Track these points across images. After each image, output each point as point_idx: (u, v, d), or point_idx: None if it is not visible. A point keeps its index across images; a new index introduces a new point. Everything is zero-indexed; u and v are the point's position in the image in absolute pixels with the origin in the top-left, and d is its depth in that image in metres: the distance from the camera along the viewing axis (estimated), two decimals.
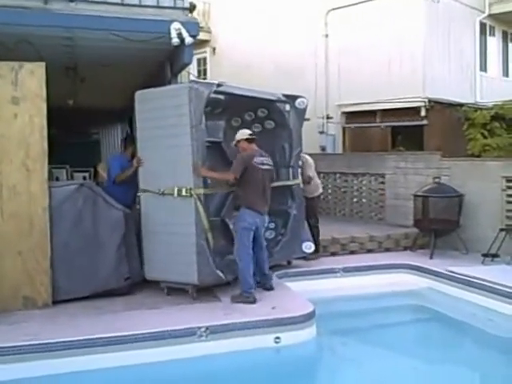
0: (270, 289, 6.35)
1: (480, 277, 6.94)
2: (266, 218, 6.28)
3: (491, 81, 15.13)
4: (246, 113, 7.39)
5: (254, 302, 5.91)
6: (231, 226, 7.20)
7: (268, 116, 7.42)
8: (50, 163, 6.09)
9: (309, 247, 7.57)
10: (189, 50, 7.05)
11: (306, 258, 7.73)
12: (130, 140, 7.36)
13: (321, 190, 8.48)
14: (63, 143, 9.60)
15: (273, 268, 7.16)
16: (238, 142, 6.26)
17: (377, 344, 6.00)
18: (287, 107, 7.39)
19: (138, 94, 6.56)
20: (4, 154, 5.78)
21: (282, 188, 7.44)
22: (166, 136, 6.24)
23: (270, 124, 7.50)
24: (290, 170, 7.50)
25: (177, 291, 6.25)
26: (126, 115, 12.02)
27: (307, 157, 8.04)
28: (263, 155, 6.25)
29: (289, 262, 7.71)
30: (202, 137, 6.19)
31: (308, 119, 13.70)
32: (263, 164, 6.14)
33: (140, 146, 6.55)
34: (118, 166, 7.02)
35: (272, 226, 7.46)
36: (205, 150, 6.28)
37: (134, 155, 6.81)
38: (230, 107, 7.03)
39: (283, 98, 7.36)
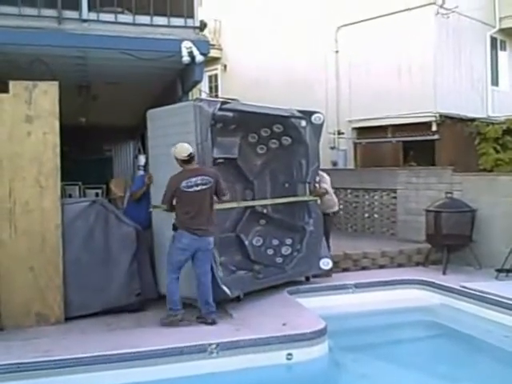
0: (213, 323, 5.77)
1: (494, 292, 6.87)
2: (210, 240, 5.80)
3: (503, 95, 15.06)
4: (262, 129, 7.42)
5: (178, 321, 5.73)
6: (246, 242, 7.26)
7: (284, 132, 7.45)
8: (62, 180, 6.17)
9: (326, 264, 7.53)
10: (199, 68, 7.15)
11: (318, 275, 7.66)
12: None
13: (337, 208, 8.47)
14: (76, 160, 9.72)
15: (288, 284, 7.21)
16: (177, 159, 5.82)
17: (389, 360, 5.94)
18: (303, 123, 7.43)
19: (149, 113, 6.73)
20: (17, 171, 5.86)
21: (298, 204, 7.50)
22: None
23: (286, 140, 7.52)
24: (307, 185, 7.52)
25: (188, 307, 6.20)
26: (137, 132, 12.14)
27: (323, 173, 8.05)
28: (199, 174, 5.77)
29: (307, 278, 7.61)
30: (208, 153, 6.24)
31: (343, 132, 13.79)
32: (196, 185, 5.70)
33: (151, 163, 6.69)
34: (138, 185, 7.03)
35: (289, 242, 7.52)
36: (211, 167, 6.32)
37: None
38: (244, 124, 7.08)
39: (298, 114, 7.39)
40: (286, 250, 7.47)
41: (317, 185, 7.65)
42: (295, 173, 7.56)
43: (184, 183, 5.68)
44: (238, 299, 6.46)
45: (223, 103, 6.51)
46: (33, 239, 5.86)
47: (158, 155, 6.58)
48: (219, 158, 6.98)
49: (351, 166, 14.42)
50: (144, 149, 11.35)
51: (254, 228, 7.58)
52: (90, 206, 6.29)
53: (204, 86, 16.85)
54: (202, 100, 6.48)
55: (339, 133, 14.41)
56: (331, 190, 8.20)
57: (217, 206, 6.17)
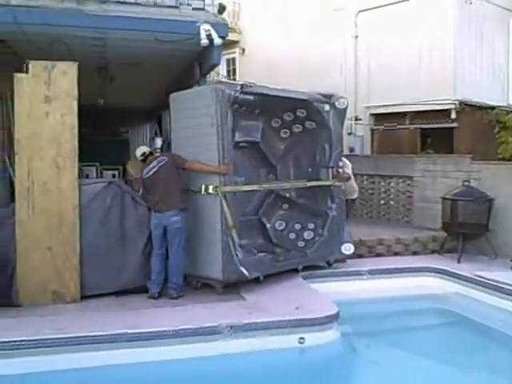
0: (172, 298, 6.15)
1: (509, 282, 6.82)
2: (175, 218, 6.17)
3: None
4: (285, 113, 7.44)
5: (151, 296, 6.16)
6: (268, 226, 7.34)
7: (307, 116, 7.45)
8: (80, 161, 6.23)
9: (348, 248, 7.57)
10: (218, 51, 7.12)
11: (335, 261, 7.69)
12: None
13: (356, 195, 8.45)
14: (93, 141, 9.77)
15: (309, 268, 7.32)
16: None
17: (401, 347, 5.96)
18: (326, 107, 7.40)
19: (172, 96, 6.82)
20: (35, 152, 5.92)
21: (321, 188, 7.53)
22: (194, 135, 6.44)
23: (310, 124, 7.53)
24: (330, 170, 7.52)
25: (204, 288, 6.39)
26: (154, 115, 12.17)
27: (346, 160, 8.06)
28: (155, 159, 6.44)
29: (329, 263, 7.64)
30: (228, 136, 6.29)
31: (360, 118, 13.71)
32: (153, 168, 6.33)
33: (174, 146, 6.76)
34: None
35: (311, 226, 7.57)
36: (231, 149, 6.41)
37: None
38: (267, 108, 7.11)
39: (321, 98, 7.37)
40: (308, 235, 7.53)
41: (340, 170, 7.64)
42: (318, 157, 7.58)
43: (144, 172, 6.40)
44: (256, 280, 6.55)
45: (244, 86, 6.52)
46: (50, 219, 5.94)
47: (180, 137, 6.67)
48: (242, 142, 7.04)
49: (368, 152, 14.33)
50: (161, 131, 11.39)
51: (277, 212, 7.65)
52: (106, 187, 6.37)
53: (222, 69, 16.81)
54: (222, 83, 6.50)
55: (356, 119, 14.30)
56: (352, 177, 8.18)
57: (238, 189, 6.53)
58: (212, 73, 10.60)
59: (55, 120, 6.00)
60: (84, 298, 6.04)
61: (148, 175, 6.36)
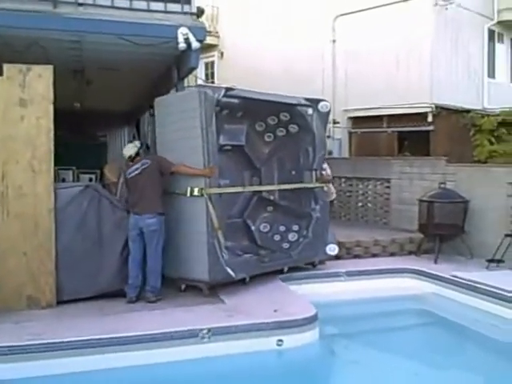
0: (150, 302, 6.11)
1: (484, 282, 6.92)
2: (152, 220, 6.13)
3: (499, 87, 15.08)
4: (269, 117, 7.51)
5: (129, 301, 6.12)
6: (253, 228, 7.41)
7: (291, 120, 7.53)
8: (56, 165, 6.16)
9: (333, 249, 7.68)
10: (195, 55, 7.11)
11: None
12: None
13: (334, 197, 8.53)
14: (70, 145, 9.67)
15: (293, 270, 7.39)
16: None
17: (379, 347, 6.00)
18: (309, 111, 7.49)
19: (157, 101, 6.83)
20: (10, 155, 5.84)
21: (304, 191, 7.63)
22: (179, 139, 6.45)
23: (293, 128, 7.62)
24: (313, 172, 7.62)
25: (189, 291, 6.43)
26: (133, 118, 12.10)
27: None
28: (139, 161, 6.39)
29: (313, 265, 7.72)
30: (213, 139, 6.32)
31: (338, 122, 13.83)
32: (136, 169, 6.32)
33: (158, 150, 6.74)
34: None
35: (296, 228, 7.66)
36: (216, 152, 6.44)
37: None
38: (251, 111, 7.16)
39: (304, 102, 7.44)
40: (292, 236, 7.62)
41: (324, 172, 7.74)
42: (302, 160, 7.68)
43: (128, 172, 6.41)
44: (243, 281, 6.64)
45: (228, 90, 6.53)
46: (25, 223, 5.86)
47: (165, 141, 6.65)
48: (226, 145, 7.10)
49: (346, 155, 14.45)
50: (139, 135, 11.34)
51: (262, 214, 7.73)
52: (83, 190, 6.29)
53: (200, 72, 16.81)
54: (206, 86, 6.50)
55: (334, 122, 14.42)
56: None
57: (223, 191, 6.57)
58: (190, 76, 10.58)
59: (30, 123, 5.92)
60: (60, 302, 5.96)
61: (130, 176, 6.37)
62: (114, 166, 9.93)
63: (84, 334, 4.96)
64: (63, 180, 9.69)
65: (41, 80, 5.97)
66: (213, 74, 18.53)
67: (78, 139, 11.78)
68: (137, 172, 6.30)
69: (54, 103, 6.02)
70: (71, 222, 6.12)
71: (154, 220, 6.14)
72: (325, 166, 7.88)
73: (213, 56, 18.33)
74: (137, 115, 11.59)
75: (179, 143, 6.44)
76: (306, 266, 7.67)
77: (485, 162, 12.41)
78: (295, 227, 7.67)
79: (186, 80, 8.23)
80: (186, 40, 6.81)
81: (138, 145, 6.68)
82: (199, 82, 13.23)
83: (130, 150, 6.59)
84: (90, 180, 10.42)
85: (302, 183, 7.64)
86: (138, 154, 6.56)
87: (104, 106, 11.50)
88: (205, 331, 5.16)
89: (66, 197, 6.13)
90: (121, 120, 13.09)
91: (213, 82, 17.30)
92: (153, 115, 8.74)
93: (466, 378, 5.30)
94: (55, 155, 6.03)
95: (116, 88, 9.97)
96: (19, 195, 5.85)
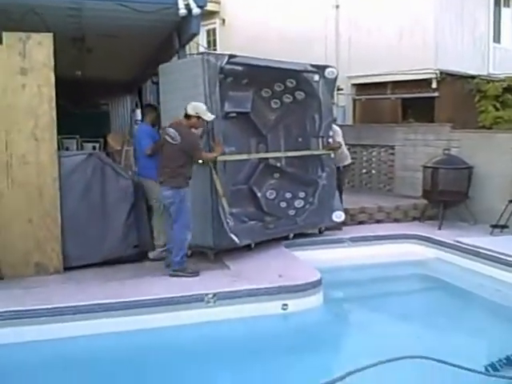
0: (170, 274, 5.88)
1: (488, 247, 6.95)
2: (167, 193, 5.85)
3: (504, 52, 14.86)
4: (275, 84, 7.46)
5: (166, 264, 6.06)
6: (259, 195, 7.45)
7: (297, 87, 7.49)
8: (59, 134, 6.16)
9: (339, 216, 7.70)
10: (196, 21, 7.01)
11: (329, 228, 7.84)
12: (149, 108, 7.29)
13: (348, 162, 8.52)
14: (73, 114, 9.66)
15: (298, 236, 7.48)
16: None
17: (382, 311, 6.06)
18: (316, 77, 7.45)
19: (161, 68, 6.79)
20: (13, 124, 5.84)
21: (311, 158, 7.65)
22: (183, 106, 6.32)
23: (300, 94, 7.57)
24: (320, 139, 7.60)
25: (196, 256, 6.46)
26: (134, 86, 12.02)
27: (336, 127, 8.10)
28: (176, 129, 5.89)
29: (320, 231, 7.81)
30: (216, 106, 6.28)
31: (342, 89, 13.74)
32: (169, 136, 5.87)
33: (163, 117, 6.70)
34: (149, 137, 6.71)
35: (302, 195, 7.70)
36: (220, 119, 6.42)
37: (154, 123, 6.86)
38: (256, 78, 7.10)
39: (311, 68, 7.39)
40: (298, 203, 7.66)
41: (330, 139, 7.69)
42: (308, 127, 7.67)
43: (166, 129, 5.98)
44: (249, 247, 6.72)
45: (231, 57, 6.47)
46: (30, 192, 5.90)
47: (169, 109, 6.61)
48: (231, 112, 7.06)
49: (350, 122, 14.36)
50: (141, 103, 11.28)
51: (268, 181, 7.76)
52: (86, 158, 6.32)
53: (202, 40, 16.60)
54: (209, 53, 6.45)
55: (338, 89, 14.26)
56: (344, 144, 8.24)
57: (229, 158, 6.53)
58: (192, 44, 10.46)
59: (32, 92, 5.90)
60: (67, 269, 6.04)
61: (164, 137, 5.98)
62: (117, 135, 9.94)
63: (91, 299, 5.03)
64: (67, 149, 9.70)
65: (41, 48, 5.92)
66: (215, 41, 18.32)
67: (81, 108, 11.74)
68: (168, 140, 5.88)
69: (56, 72, 5.98)
70: (76, 190, 6.16)
71: (169, 193, 5.85)
72: (331, 132, 7.79)
73: (214, 23, 18.08)
74: (139, 83, 11.51)
75: (182, 111, 6.40)
76: (313, 232, 7.72)
77: (489, 128, 12.32)
78: (301, 194, 7.71)
79: (188, 48, 8.15)
80: (187, 6, 6.71)
81: (140, 115, 6.53)
82: (201, 49, 13.08)
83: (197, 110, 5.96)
84: (94, 148, 10.42)
85: (308, 150, 7.63)
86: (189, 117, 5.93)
87: (105, 75, 11.39)
88: (210, 296, 5.21)
89: (69, 165, 6.16)
90: (123, 88, 12.99)
91: (215, 50, 17.12)
92: (155, 83, 8.70)
93: (469, 341, 5.34)
94: (58, 124, 6.02)
95: (117, 56, 9.86)
96: (23, 164, 5.87)
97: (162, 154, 5.99)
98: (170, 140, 5.85)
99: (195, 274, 5.86)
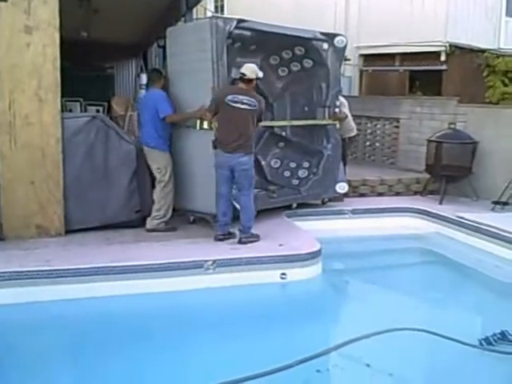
0: (240, 242, 5.93)
1: (488, 223, 6.95)
2: (244, 159, 5.81)
3: None
4: (284, 51, 7.36)
5: (217, 239, 6.00)
6: (263, 163, 7.43)
7: (306, 55, 7.38)
8: (63, 96, 6.11)
9: (343, 187, 7.68)
10: None
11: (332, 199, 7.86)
12: (157, 74, 7.16)
13: (354, 133, 8.48)
14: (77, 77, 9.56)
15: (301, 206, 7.51)
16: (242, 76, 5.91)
17: (380, 283, 6.10)
18: (325, 46, 7.33)
19: (169, 30, 6.68)
20: (16, 84, 5.78)
21: (317, 128, 7.57)
22: (190, 71, 6.36)
23: (308, 63, 7.47)
24: (326, 109, 7.52)
25: (200, 223, 6.58)
26: (140, 50, 11.88)
27: (341, 98, 8.03)
28: (246, 94, 5.80)
29: (323, 202, 7.82)
30: (223, 72, 6.20)
31: (349, 59, 13.58)
32: (242, 103, 5.76)
33: (170, 81, 6.64)
34: (167, 102, 6.44)
35: (306, 165, 7.68)
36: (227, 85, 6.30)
37: (163, 89, 6.78)
38: (264, 44, 6.99)
39: (320, 36, 7.28)
40: (302, 173, 7.65)
41: (337, 110, 7.63)
42: (315, 96, 7.58)
43: (230, 97, 5.77)
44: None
45: (240, 21, 6.37)
46: (33, 153, 5.87)
47: (177, 72, 6.55)
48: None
49: (356, 93, 14.23)
50: (146, 67, 11.17)
51: (273, 150, 7.75)
52: (90, 121, 6.26)
53: (209, 4, 16.35)
54: (218, 17, 6.34)
55: (345, 59, 14.08)
56: (350, 115, 8.18)
57: None
58: (200, 8, 10.32)
59: (36, 51, 5.82)
60: (68, 232, 6.06)
61: (233, 105, 5.76)
62: (121, 99, 9.86)
63: (91, 262, 5.07)
64: (70, 111, 9.62)
65: (46, 6, 5.83)
66: (222, 6, 18.03)
67: (85, 71, 11.60)
68: (241, 106, 5.76)
69: (61, 32, 5.90)
70: (79, 153, 6.12)
71: (246, 158, 5.84)
72: (338, 102, 7.73)
73: None
74: (144, 47, 11.37)
75: (189, 76, 6.37)
76: (316, 202, 7.74)
77: (496, 104, 12.22)
78: (306, 164, 7.69)
79: (195, 12, 8.03)
80: None
81: (145, 79, 6.45)
82: (208, 14, 12.89)
83: (256, 72, 5.93)
84: (97, 112, 10.36)
85: (314, 120, 7.57)
86: (250, 81, 5.90)
87: (111, 37, 11.22)
88: (209, 263, 5.25)
89: (73, 127, 6.11)
90: (128, 51, 12.82)
91: (222, 14, 16.85)
92: (161, 47, 8.60)
93: (465, 315, 5.39)
94: (62, 86, 5.95)
95: (123, 18, 9.71)
96: (26, 124, 5.83)
97: (225, 122, 5.85)
98: (246, 107, 5.79)
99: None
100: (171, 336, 4.52)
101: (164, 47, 7.00)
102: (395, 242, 7.60)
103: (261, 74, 6.00)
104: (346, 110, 8.07)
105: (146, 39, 10.80)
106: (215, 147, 5.92)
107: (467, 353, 4.14)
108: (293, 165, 7.73)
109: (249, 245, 5.85)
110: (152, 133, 6.33)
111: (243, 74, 5.84)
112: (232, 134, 5.79)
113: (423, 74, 13.21)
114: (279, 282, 5.43)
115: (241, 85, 5.90)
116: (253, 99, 5.85)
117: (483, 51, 13.28)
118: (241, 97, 5.79)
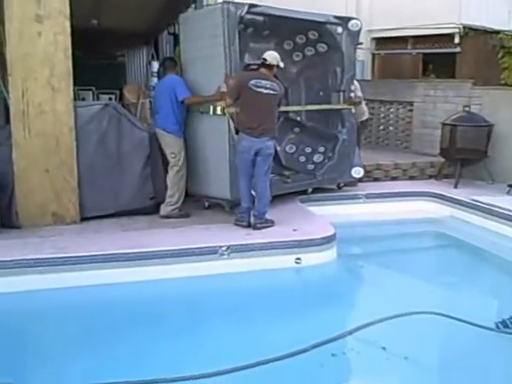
0: (248, 226, 5.95)
1: (503, 206, 6.88)
2: (269, 143, 5.83)
3: None
4: (297, 36, 7.32)
5: (244, 225, 5.96)
6: (278, 149, 7.37)
7: (319, 39, 7.34)
8: (76, 84, 6.15)
9: (358, 172, 7.69)
10: None
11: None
12: (171, 62, 7.09)
13: (365, 117, 8.44)
14: (89, 65, 9.54)
15: (317, 191, 7.51)
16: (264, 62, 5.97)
17: (395, 267, 6.07)
18: (339, 29, 7.27)
19: (182, 17, 6.70)
20: (29, 72, 5.81)
21: (332, 112, 7.55)
22: (203, 57, 6.36)
23: (322, 47, 7.44)
24: (341, 94, 7.50)
25: (213, 208, 6.62)
26: (150, 37, 11.83)
27: (355, 81, 7.97)
28: (269, 80, 5.84)
29: (338, 186, 7.82)
30: (235, 57, 6.19)
31: (361, 43, 13.46)
32: (265, 88, 5.78)
33: (183, 66, 6.65)
34: (185, 86, 6.41)
35: (321, 149, 7.66)
36: (239, 71, 6.30)
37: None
38: (278, 29, 6.95)
39: (334, 20, 7.22)
40: (318, 158, 7.64)
41: (352, 94, 7.59)
42: (330, 81, 7.55)
43: (253, 81, 5.78)
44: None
45: (251, 6, 6.32)
46: (47, 141, 5.91)
47: (190, 58, 6.56)
48: (252, 64, 6.91)
49: (368, 77, 14.10)
50: (157, 55, 11.14)
51: (288, 135, 7.72)
52: (102, 109, 6.29)
53: None
54: (229, 2, 6.29)
55: (358, 43, 13.97)
56: (362, 99, 8.13)
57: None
58: None
59: (48, 40, 5.84)
60: (83, 219, 6.11)
61: (257, 90, 5.77)
62: (133, 87, 9.86)
63: (106, 249, 5.11)
64: (83, 100, 9.65)
65: None
66: None
67: (97, 59, 11.60)
68: (264, 91, 5.78)
69: (72, 21, 5.90)
70: (92, 141, 6.16)
71: (271, 143, 5.89)
72: (355, 84, 7.72)
73: None
74: (155, 34, 11.31)
75: (202, 62, 6.37)
76: (331, 187, 7.75)
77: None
78: (321, 149, 7.66)
79: None
80: None
81: (156, 67, 6.42)
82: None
83: (278, 59, 5.96)
84: (110, 100, 10.38)
85: (329, 104, 7.54)
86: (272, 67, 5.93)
87: (122, 25, 11.18)
88: (224, 248, 5.26)
89: (86, 115, 6.14)
90: (139, 39, 12.76)
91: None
92: (171, 34, 8.56)
93: (481, 298, 5.37)
94: (74, 75, 5.98)
95: (133, 5, 9.67)
96: (39, 113, 5.86)
97: (249, 107, 5.84)
98: (270, 91, 5.82)
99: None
100: (186, 321, 4.57)
101: (175, 34, 6.98)
102: (410, 226, 7.57)
103: (282, 64, 6.02)
104: (360, 94, 8.01)
105: (157, 26, 10.74)
106: (237, 132, 5.94)
107: (484, 336, 4.12)
108: (308, 150, 7.70)
109: (263, 230, 5.85)
110: (171, 117, 6.35)
111: (265, 60, 5.87)
112: (257, 119, 5.80)
113: (437, 56, 13.03)
114: (294, 267, 5.44)
115: (262, 70, 5.92)
116: (275, 84, 5.89)
117: (497, 32, 13.05)
118: (264, 82, 5.80)
